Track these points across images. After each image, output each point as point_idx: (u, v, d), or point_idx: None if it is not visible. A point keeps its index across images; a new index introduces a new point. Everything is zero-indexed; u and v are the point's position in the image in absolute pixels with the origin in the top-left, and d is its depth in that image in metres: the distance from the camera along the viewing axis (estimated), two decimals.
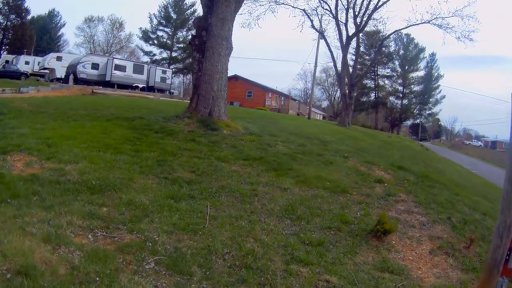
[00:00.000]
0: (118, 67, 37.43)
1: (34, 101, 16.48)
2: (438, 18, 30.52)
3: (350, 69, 35.46)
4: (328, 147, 12.47)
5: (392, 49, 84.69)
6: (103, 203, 5.78)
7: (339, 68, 34.79)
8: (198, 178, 7.49)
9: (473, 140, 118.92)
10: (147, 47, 77.87)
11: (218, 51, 12.31)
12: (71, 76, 34.87)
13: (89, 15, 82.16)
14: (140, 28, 77.92)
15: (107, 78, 36.40)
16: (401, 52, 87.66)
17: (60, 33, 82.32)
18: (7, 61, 48.91)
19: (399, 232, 6.43)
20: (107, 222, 5.18)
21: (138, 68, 39.70)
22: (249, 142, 10.85)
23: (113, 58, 39.27)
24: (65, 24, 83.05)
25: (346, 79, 34.40)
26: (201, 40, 12.68)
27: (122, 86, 36.51)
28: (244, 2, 31.09)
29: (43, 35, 73.73)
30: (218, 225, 5.62)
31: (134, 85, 38.49)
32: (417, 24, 31.93)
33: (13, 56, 51.40)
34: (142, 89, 38.64)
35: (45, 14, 79.95)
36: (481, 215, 8.04)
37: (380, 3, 32.13)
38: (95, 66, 36.24)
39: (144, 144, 9.26)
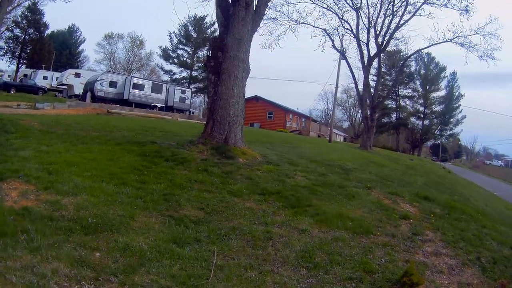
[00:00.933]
0: (136, 86, 37.34)
1: (45, 119, 16.13)
2: (460, 36, 29.87)
3: (372, 90, 34.69)
4: (350, 176, 11.72)
5: (413, 68, 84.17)
6: (96, 246, 5.10)
7: (361, 90, 34.07)
8: (207, 217, 6.76)
9: (493, 159, 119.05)
10: (167, 66, 78.68)
11: (235, 73, 11.67)
12: (89, 94, 34.85)
13: (109, 32, 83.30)
14: (160, 47, 78.82)
15: (125, 97, 36.28)
16: (422, 71, 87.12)
17: (80, 49, 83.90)
18: (25, 75, 49.57)
19: (427, 280, 5.66)
20: (97, 272, 4.50)
21: (156, 87, 39.58)
22: (266, 173, 10.06)
23: (131, 76, 39.21)
24: (85, 40, 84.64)
25: (368, 101, 33.65)
26: (216, 62, 12.12)
27: (140, 106, 36.35)
28: (264, 22, 30.95)
29: (62, 50, 74.90)
30: (224, 278, 4.87)
31: (152, 104, 38.27)
32: (439, 43, 31.26)
33: (32, 70, 52.05)
34: (161, 108, 38.42)
35: (65, 29, 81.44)
36: (509, 250, 7.33)
37: (401, 22, 31.67)
38: (113, 84, 36.22)
39: (151, 174, 8.62)
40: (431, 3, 29.79)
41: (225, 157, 10.69)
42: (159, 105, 38.85)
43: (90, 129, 14.31)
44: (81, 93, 38.56)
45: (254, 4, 12.43)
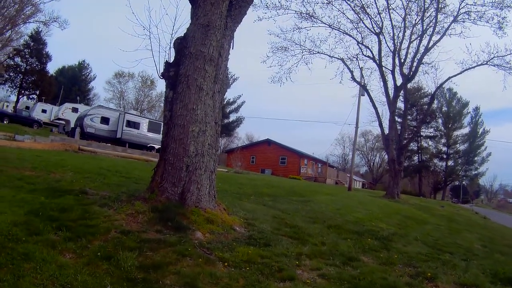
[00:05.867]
0: (131, 124, 32.85)
1: None
2: (496, 57, 25.70)
3: (398, 128, 29.75)
4: (393, 253, 7.12)
5: (434, 106, 79.42)
6: None
7: (385, 128, 29.21)
8: None
9: None
10: None
11: (198, 82, 6.93)
12: (78, 130, 30.86)
13: (119, 70, 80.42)
14: None
15: (118, 135, 31.85)
16: (444, 109, 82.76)
17: (90, 86, 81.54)
18: (27, 107, 48.70)
19: None
20: None
21: (154, 127, 34.67)
22: (236, 269, 4.83)
23: (125, 112, 34.70)
24: (95, 77, 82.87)
25: (394, 141, 28.60)
26: (178, 70, 7.49)
27: (135, 146, 31.63)
28: (273, 51, 26.74)
29: (72, 86, 73.03)
30: None
31: (149, 145, 33.57)
32: (473, 67, 26.72)
33: (34, 102, 51.69)
34: (158, 150, 33.62)
35: (75, 64, 79.31)
36: None
37: (431, 44, 27.47)
38: (105, 120, 31.90)
39: None
40: (461, 21, 25.96)
41: (172, 227, 5.84)
42: (156, 147, 33.76)
43: (28, 167, 10.68)
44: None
45: None
